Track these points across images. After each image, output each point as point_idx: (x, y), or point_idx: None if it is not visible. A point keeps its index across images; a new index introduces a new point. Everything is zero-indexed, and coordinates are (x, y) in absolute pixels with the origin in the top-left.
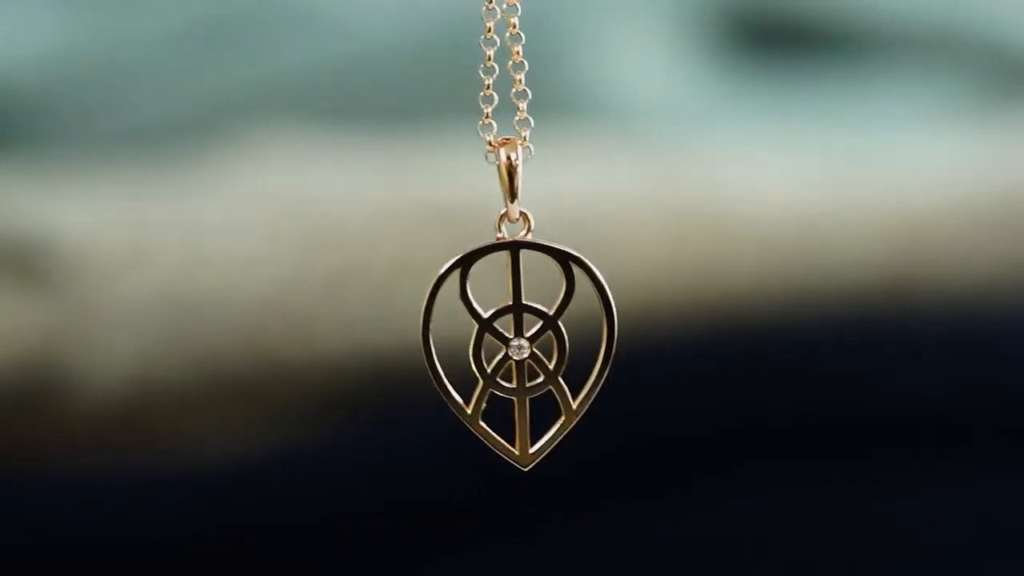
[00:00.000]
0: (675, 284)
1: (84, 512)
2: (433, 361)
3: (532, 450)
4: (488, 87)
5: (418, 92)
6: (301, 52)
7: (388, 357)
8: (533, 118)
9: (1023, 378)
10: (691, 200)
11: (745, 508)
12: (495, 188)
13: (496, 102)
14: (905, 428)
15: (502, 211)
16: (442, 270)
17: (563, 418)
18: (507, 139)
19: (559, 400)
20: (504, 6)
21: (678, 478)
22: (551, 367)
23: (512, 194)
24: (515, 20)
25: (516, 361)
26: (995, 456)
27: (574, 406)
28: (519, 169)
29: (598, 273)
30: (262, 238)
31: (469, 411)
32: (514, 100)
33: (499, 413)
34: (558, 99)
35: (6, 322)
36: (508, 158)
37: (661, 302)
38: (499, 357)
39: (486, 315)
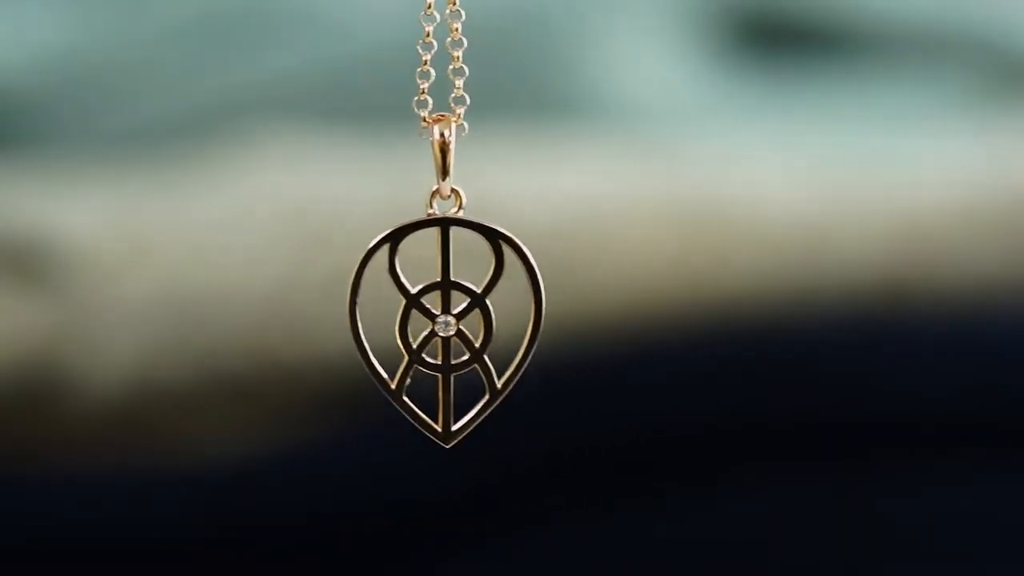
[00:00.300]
0: (676, 284)
1: (84, 512)
2: (359, 335)
3: (454, 428)
4: (426, 63)
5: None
6: (301, 52)
7: (388, 357)
8: (533, 118)
9: (1023, 378)
10: (692, 200)
11: (745, 508)
12: (496, 188)
13: (433, 77)
14: (905, 428)
15: (434, 188)
16: (370, 245)
17: (487, 397)
18: (441, 115)
19: (484, 379)
20: None
21: (678, 478)
22: (477, 345)
23: (444, 171)
24: None
25: (442, 338)
26: (995, 456)
27: (499, 385)
28: (452, 146)
29: (527, 252)
30: (262, 238)
31: (393, 386)
32: (451, 77)
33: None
34: (559, 99)
35: (6, 322)
36: (442, 135)
37: (662, 302)
38: (425, 333)
39: (414, 291)
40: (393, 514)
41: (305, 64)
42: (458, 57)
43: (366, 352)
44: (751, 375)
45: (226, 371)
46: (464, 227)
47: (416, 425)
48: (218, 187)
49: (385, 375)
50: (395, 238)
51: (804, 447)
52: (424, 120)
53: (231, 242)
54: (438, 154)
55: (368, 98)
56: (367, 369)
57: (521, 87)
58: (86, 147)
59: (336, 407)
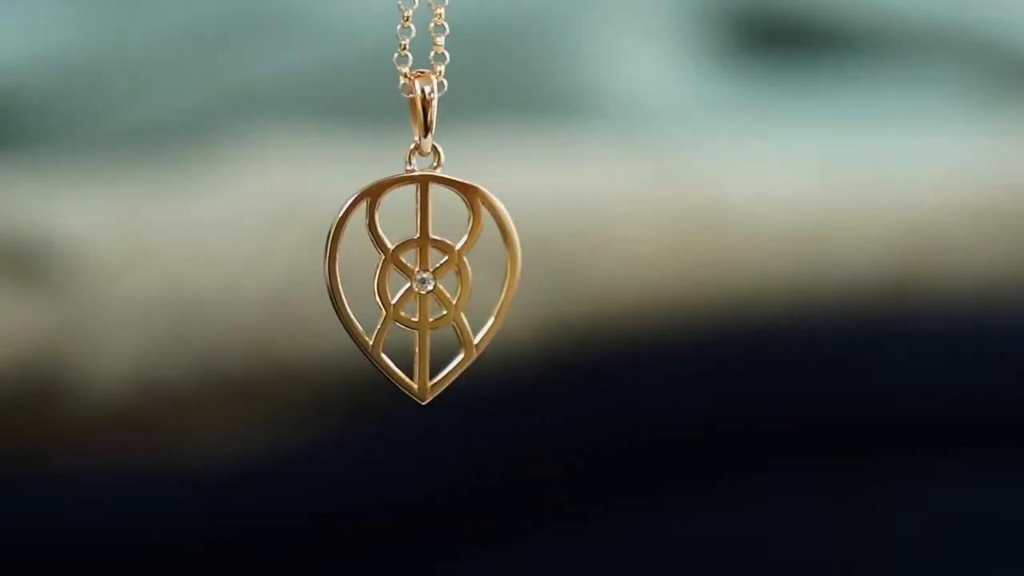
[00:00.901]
0: (676, 284)
1: (84, 512)
2: (338, 291)
3: (430, 384)
4: (407, 19)
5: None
6: (301, 52)
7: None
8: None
9: (1023, 378)
10: (692, 200)
11: (745, 508)
12: (496, 188)
13: (414, 33)
14: (905, 428)
15: (413, 144)
16: (349, 201)
17: (463, 354)
18: (422, 72)
19: (459, 336)
20: None
21: (678, 478)
22: (455, 302)
23: (426, 127)
24: None
25: (420, 294)
26: (995, 456)
27: (475, 342)
28: (433, 102)
29: (503, 210)
30: (262, 238)
31: (371, 342)
32: (432, 34)
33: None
34: (559, 99)
35: (6, 322)
36: (423, 91)
37: (662, 302)
38: (403, 290)
39: (392, 247)
40: (393, 514)
41: (304, 64)
42: (440, 14)
43: (344, 309)
44: (751, 375)
45: (226, 371)
46: (442, 184)
47: (392, 382)
48: (218, 187)
49: (363, 331)
50: (374, 194)
51: (804, 447)
52: (405, 76)
53: (231, 242)
54: (420, 110)
55: (368, 98)
56: (344, 326)
57: (521, 87)
58: (86, 147)
59: (336, 407)
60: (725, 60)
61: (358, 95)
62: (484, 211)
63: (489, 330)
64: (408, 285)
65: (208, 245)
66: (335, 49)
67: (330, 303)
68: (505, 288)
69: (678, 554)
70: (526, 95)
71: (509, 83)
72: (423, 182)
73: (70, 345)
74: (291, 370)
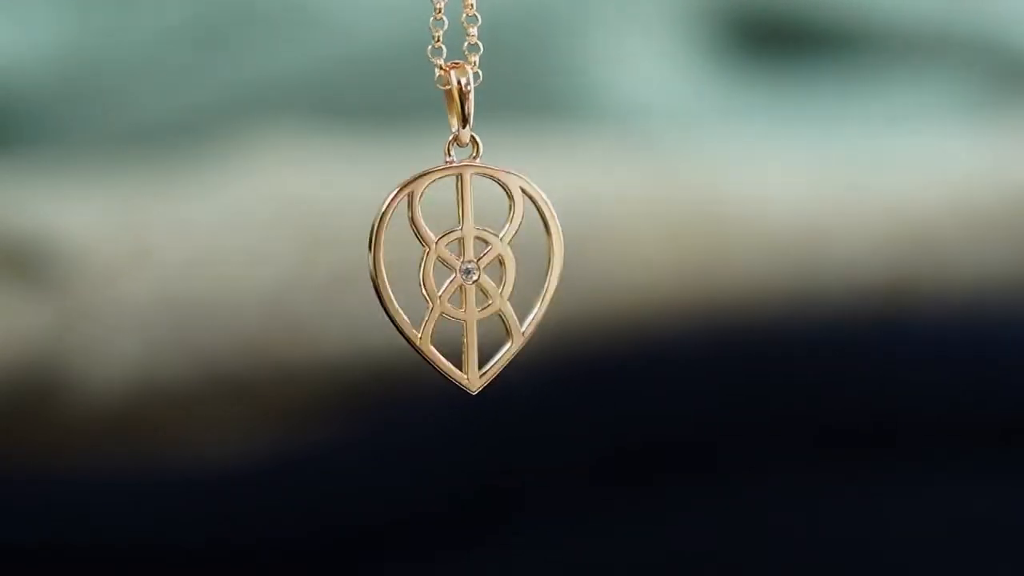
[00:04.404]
0: (676, 285)
1: (83, 512)
2: (384, 286)
3: (480, 373)
4: (439, 11)
5: (418, 92)
6: (301, 52)
7: (388, 357)
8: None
9: (1022, 378)
10: (692, 201)
11: (745, 508)
12: (496, 188)
13: (447, 25)
14: (905, 428)
15: (451, 135)
16: (392, 194)
17: (510, 343)
18: (456, 63)
19: (507, 324)
20: None
21: (678, 478)
22: (500, 291)
23: (464, 119)
24: None
25: (465, 286)
26: (995, 456)
27: (522, 330)
28: (470, 93)
29: (543, 197)
30: (262, 238)
31: (419, 335)
32: (464, 24)
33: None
34: (559, 100)
35: (6, 322)
36: (459, 82)
37: (662, 303)
38: (449, 281)
39: (436, 239)
40: (393, 514)
41: (305, 64)
42: (472, 4)
43: (392, 303)
44: (752, 375)
45: (226, 372)
46: (483, 174)
47: (442, 374)
48: (218, 187)
49: (410, 324)
50: (415, 186)
51: (804, 447)
52: (441, 68)
53: (231, 242)
54: (457, 100)
55: (368, 98)
56: (391, 320)
57: (520, 87)
58: (86, 147)
59: (336, 407)
60: (725, 60)
61: (358, 95)
62: (524, 200)
63: (535, 317)
64: (453, 276)
65: (208, 245)
66: (335, 49)
67: (376, 298)
68: (550, 274)
69: (678, 554)
70: (526, 95)
71: (509, 83)
72: (463, 173)
73: (70, 345)
74: (291, 371)
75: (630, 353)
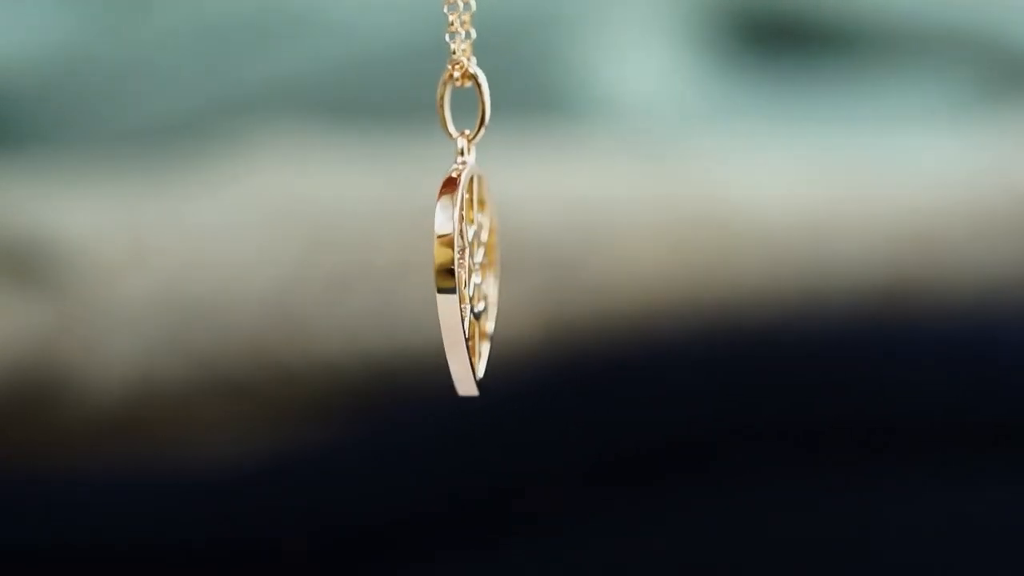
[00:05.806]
0: (676, 285)
1: (84, 512)
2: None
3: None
4: (452, 25)
5: (418, 92)
6: (301, 52)
7: (388, 358)
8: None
9: (1023, 379)
10: (692, 200)
11: (746, 508)
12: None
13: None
14: (906, 428)
15: (469, 135)
16: (444, 201)
17: (488, 343)
18: (458, 61)
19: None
20: None
21: (678, 478)
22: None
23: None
24: None
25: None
26: (995, 456)
27: (490, 332)
28: (483, 87)
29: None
30: (262, 239)
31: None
32: (453, 40)
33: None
34: (560, 100)
35: (6, 322)
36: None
37: (662, 303)
38: (473, 284)
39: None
40: (393, 514)
41: (306, 65)
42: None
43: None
44: (752, 376)
45: (225, 372)
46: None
47: (458, 376)
48: (218, 187)
49: (466, 328)
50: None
51: (804, 447)
52: (453, 53)
53: (231, 242)
54: (480, 93)
55: (369, 98)
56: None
57: (521, 87)
58: (86, 147)
59: (336, 407)
60: (725, 60)
61: (359, 96)
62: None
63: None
64: (476, 281)
65: (208, 246)
66: (336, 49)
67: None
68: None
69: (678, 554)
70: (526, 95)
71: (509, 83)
72: (476, 175)
73: (70, 346)
74: (290, 371)
75: (630, 353)
